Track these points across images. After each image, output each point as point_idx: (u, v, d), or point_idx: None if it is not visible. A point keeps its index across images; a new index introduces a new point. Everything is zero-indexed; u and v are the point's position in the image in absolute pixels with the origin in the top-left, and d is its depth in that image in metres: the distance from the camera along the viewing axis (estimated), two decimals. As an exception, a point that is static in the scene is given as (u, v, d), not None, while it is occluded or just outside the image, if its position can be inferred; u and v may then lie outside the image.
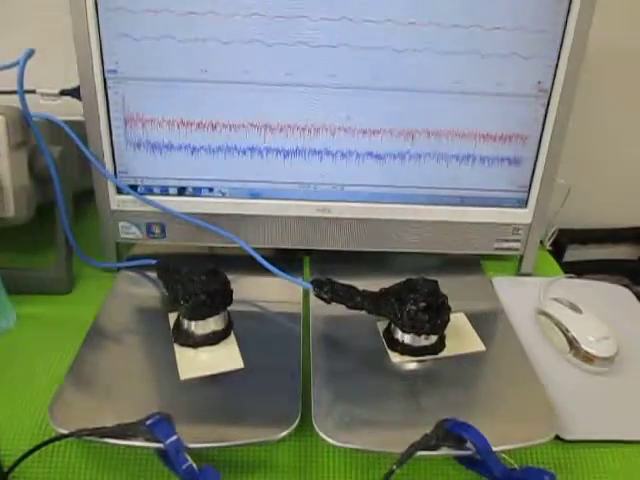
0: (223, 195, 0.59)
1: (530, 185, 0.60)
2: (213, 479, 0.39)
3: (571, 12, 0.52)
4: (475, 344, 0.51)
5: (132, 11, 0.51)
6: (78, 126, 0.56)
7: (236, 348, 0.49)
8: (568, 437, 0.44)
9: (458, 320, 0.53)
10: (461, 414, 0.42)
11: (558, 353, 0.52)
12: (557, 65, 0.54)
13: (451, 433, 0.40)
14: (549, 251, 0.71)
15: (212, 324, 0.50)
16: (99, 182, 0.58)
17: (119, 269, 0.61)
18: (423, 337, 0.49)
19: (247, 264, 0.57)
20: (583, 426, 0.45)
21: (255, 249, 0.58)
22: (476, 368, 0.49)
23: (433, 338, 0.50)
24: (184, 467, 0.38)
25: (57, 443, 0.42)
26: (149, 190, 0.59)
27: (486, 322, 0.54)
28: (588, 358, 0.50)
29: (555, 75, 0.55)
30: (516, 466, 0.40)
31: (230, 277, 0.51)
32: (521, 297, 0.59)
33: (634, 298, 0.61)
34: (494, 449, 0.39)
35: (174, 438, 0.39)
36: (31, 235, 0.60)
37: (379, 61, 0.53)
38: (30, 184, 0.54)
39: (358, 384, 0.46)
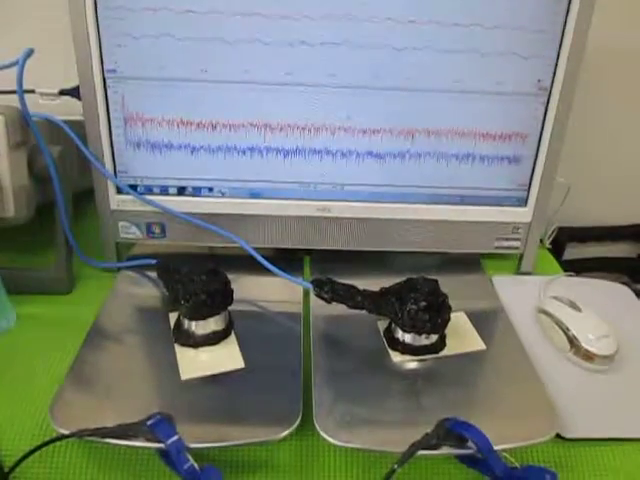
0: (223, 195, 0.59)
1: (530, 184, 0.60)
2: (215, 479, 0.39)
3: (570, 11, 0.52)
4: (475, 343, 0.51)
5: (131, 10, 0.51)
6: (77, 126, 0.56)
7: (237, 348, 0.49)
8: (569, 435, 0.44)
9: (458, 319, 0.53)
10: (462, 413, 0.42)
11: (558, 351, 0.52)
12: (557, 64, 0.54)
13: (452, 432, 0.40)
14: (549, 249, 0.71)
15: (212, 324, 0.50)
16: (99, 182, 0.58)
17: (119, 269, 0.61)
18: (424, 336, 0.49)
19: (247, 264, 0.57)
20: (584, 424, 0.45)
21: (255, 249, 0.58)
22: (476, 367, 0.49)
23: (434, 337, 0.50)
24: (185, 467, 0.38)
25: (58, 443, 0.41)
26: (149, 190, 0.59)
27: (486, 321, 0.54)
28: (588, 356, 0.50)
29: (555, 74, 0.55)
30: (517, 465, 0.40)
31: (230, 277, 0.50)
32: (521, 296, 0.59)
33: (633, 296, 0.61)
34: (495, 448, 0.39)
35: (175, 438, 0.39)
36: (31, 235, 0.60)
37: (379, 60, 0.53)
38: (30, 184, 0.53)
39: (359, 383, 0.46)
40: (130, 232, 0.60)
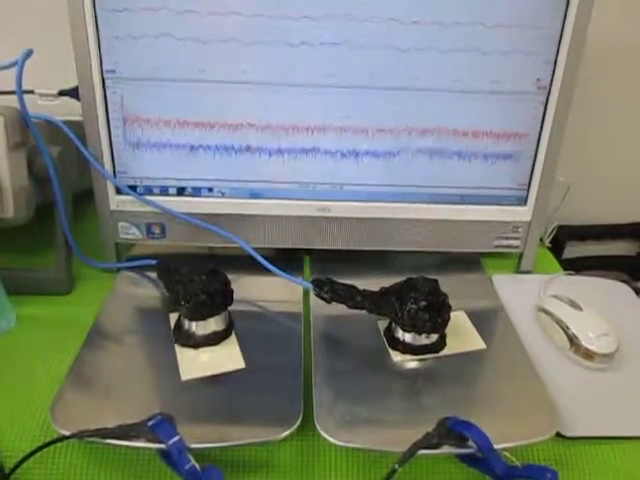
0: (223, 195, 0.59)
1: (529, 183, 0.60)
2: (216, 479, 0.39)
3: (569, 8, 0.52)
4: (476, 342, 0.51)
5: (130, 10, 0.51)
6: (77, 126, 0.56)
7: (237, 348, 0.49)
8: (569, 434, 0.44)
9: (458, 318, 0.53)
10: (462, 412, 0.42)
11: (558, 350, 0.52)
12: (556, 62, 0.54)
13: (452, 431, 0.40)
14: (548, 248, 0.71)
15: (213, 324, 0.50)
16: (98, 182, 0.58)
17: (119, 269, 0.61)
18: (424, 336, 0.49)
19: (247, 264, 0.57)
20: (584, 423, 0.45)
21: (255, 249, 0.58)
22: (477, 366, 0.49)
23: (434, 337, 0.50)
24: (187, 467, 0.38)
25: (59, 444, 0.41)
26: (148, 190, 0.59)
27: (486, 320, 0.54)
28: (588, 355, 0.50)
29: (554, 72, 0.55)
30: (518, 463, 0.40)
31: (230, 277, 0.50)
32: (521, 295, 0.59)
33: (633, 294, 0.61)
34: (495, 447, 0.39)
35: (176, 439, 0.39)
36: (30, 236, 0.60)
37: (379, 60, 0.53)
38: (29, 184, 0.53)
39: (359, 383, 0.46)
40: (130, 232, 0.60)
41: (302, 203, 0.59)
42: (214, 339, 0.50)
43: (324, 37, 0.52)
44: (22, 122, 0.51)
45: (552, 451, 0.44)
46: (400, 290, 0.49)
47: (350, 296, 0.50)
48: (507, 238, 0.62)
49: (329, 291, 0.51)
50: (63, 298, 0.57)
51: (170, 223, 0.60)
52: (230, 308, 0.51)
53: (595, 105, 0.78)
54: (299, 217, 0.59)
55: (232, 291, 0.50)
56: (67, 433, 0.40)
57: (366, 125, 0.56)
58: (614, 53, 0.75)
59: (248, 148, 0.57)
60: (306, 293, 0.56)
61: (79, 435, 0.39)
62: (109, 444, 0.40)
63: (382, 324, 0.52)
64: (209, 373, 0.47)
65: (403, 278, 0.50)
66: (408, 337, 0.49)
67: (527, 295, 0.59)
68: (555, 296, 0.56)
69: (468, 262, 0.64)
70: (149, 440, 0.39)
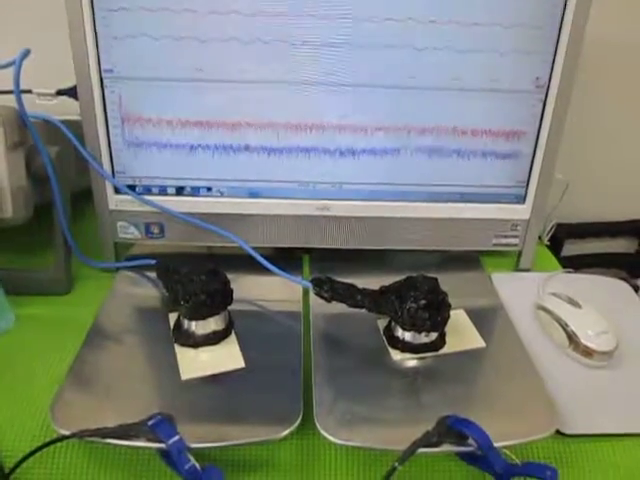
0: (222, 194, 0.59)
1: (528, 181, 0.60)
2: (216, 478, 0.39)
3: (567, 7, 0.52)
4: (475, 340, 0.51)
5: (128, 9, 0.51)
6: (75, 126, 0.56)
7: (237, 347, 0.49)
8: (569, 431, 0.44)
9: (458, 317, 0.53)
10: (462, 410, 0.42)
11: (558, 348, 0.52)
12: (554, 60, 0.54)
13: (452, 429, 0.40)
14: (547, 246, 0.71)
15: (212, 324, 0.50)
16: (97, 182, 0.58)
17: (118, 269, 0.60)
18: (423, 334, 0.49)
19: (246, 263, 0.57)
20: (583, 420, 0.45)
21: (254, 248, 0.58)
22: (476, 364, 0.49)
23: (433, 335, 0.50)
24: (187, 467, 0.38)
25: (58, 444, 0.41)
26: (147, 190, 0.59)
27: (486, 318, 0.54)
28: (588, 352, 0.50)
29: (552, 70, 0.55)
30: (517, 461, 0.40)
31: (230, 276, 0.50)
32: (520, 293, 0.59)
33: (632, 291, 0.62)
34: (495, 445, 0.39)
35: (176, 438, 0.39)
36: (29, 236, 0.59)
37: (378, 59, 0.53)
38: (28, 184, 0.53)
39: (359, 382, 0.46)
40: (129, 232, 0.60)
41: (301, 202, 0.59)
42: (214, 339, 0.50)
43: (324, 36, 0.52)
44: (20, 122, 0.51)
45: (552, 449, 0.44)
46: (400, 289, 0.49)
47: (350, 295, 0.50)
48: (506, 236, 0.62)
49: (329, 290, 0.51)
50: (62, 298, 0.57)
51: (169, 223, 0.60)
52: (230, 307, 0.51)
53: (593, 103, 0.78)
54: (298, 216, 0.59)
55: (232, 291, 0.50)
56: (67, 433, 0.40)
57: (365, 124, 0.56)
58: (613, 52, 0.75)
59: (247, 147, 0.57)
60: (306, 292, 0.56)
61: (79, 435, 0.39)
62: (109, 444, 0.40)
63: (382, 323, 0.52)
64: (209, 373, 0.47)
65: (403, 277, 0.50)
66: (408, 336, 0.49)
67: (526, 293, 0.59)
68: (554, 294, 0.56)
69: (467, 260, 0.64)
70: (149, 440, 0.39)
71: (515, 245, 0.63)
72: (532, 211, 0.61)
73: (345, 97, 0.55)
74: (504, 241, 0.63)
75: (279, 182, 0.58)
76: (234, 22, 0.51)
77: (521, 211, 0.61)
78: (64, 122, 0.56)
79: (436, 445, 0.40)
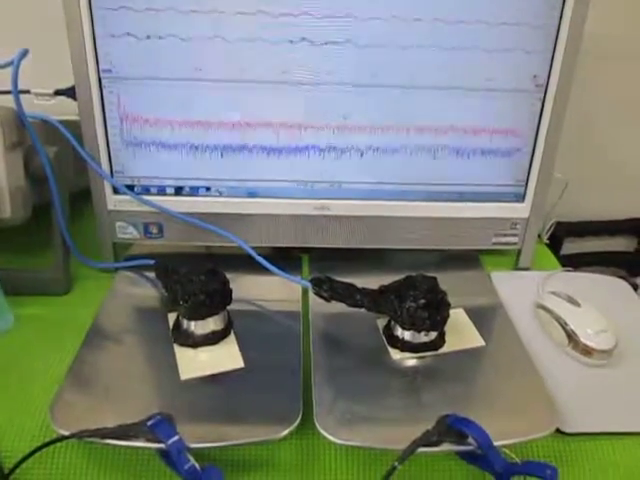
0: (220, 194, 0.59)
1: (527, 179, 0.60)
2: (216, 478, 0.39)
3: (566, 5, 0.52)
4: (475, 339, 0.51)
5: (126, 9, 0.50)
6: (73, 126, 0.56)
7: (236, 347, 0.49)
8: (568, 430, 0.44)
9: (457, 316, 0.53)
10: (462, 409, 0.42)
11: (557, 347, 0.52)
12: (553, 58, 0.54)
13: (452, 429, 0.40)
14: (546, 245, 0.71)
15: (212, 324, 0.49)
16: (95, 182, 0.58)
17: (117, 269, 0.60)
18: (423, 333, 0.49)
19: (245, 263, 0.57)
20: (583, 419, 0.45)
21: (253, 248, 0.58)
22: (476, 363, 0.49)
23: (433, 334, 0.50)
24: (186, 467, 0.38)
25: (58, 444, 0.41)
26: (146, 190, 0.59)
27: (485, 317, 0.54)
28: (587, 351, 0.50)
29: (551, 69, 0.55)
30: (517, 460, 0.40)
31: (229, 276, 0.50)
32: (520, 291, 0.59)
33: (631, 290, 0.62)
34: (495, 444, 0.39)
35: (176, 438, 0.39)
36: (28, 236, 0.59)
37: (378, 58, 0.53)
38: (26, 185, 0.53)
39: (359, 381, 0.46)
40: (127, 232, 0.60)
41: (300, 202, 0.59)
42: (213, 338, 0.49)
43: (324, 35, 0.52)
44: (18, 122, 0.51)
45: (551, 447, 0.44)
46: (399, 288, 0.49)
47: (349, 294, 0.50)
48: (505, 235, 0.62)
49: (328, 290, 0.50)
50: (61, 298, 0.57)
51: (168, 223, 0.60)
52: (229, 307, 0.51)
53: (592, 101, 0.78)
54: (297, 216, 0.59)
55: (231, 290, 0.50)
56: (66, 433, 0.40)
57: (364, 123, 0.56)
58: (611, 49, 0.75)
59: (246, 147, 0.57)
60: (305, 292, 0.56)
61: (78, 435, 0.39)
62: (108, 444, 0.40)
63: (381, 322, 0.52)
64: (208, 372, 0.47)
65: (402, 276, 0.50)
66: (407, 335, 0.49)
67: (525, 292, 0.59)
68: (553, 292, 0.56)
69: (467, 259, 0.64)
70: (148, 440, 0.39)
71: (514, 244, 0.63)
72: (531, 210, 0.61)
73: (344, 97, 0.55)
74: (503, 240, 0.63)
75: (278, 182, 0.58)
76: (234, 22, 0.51)
77: (520, 210, 0.61)
78: (62, 122, 0.56)
79: (436, 444, 0.40)
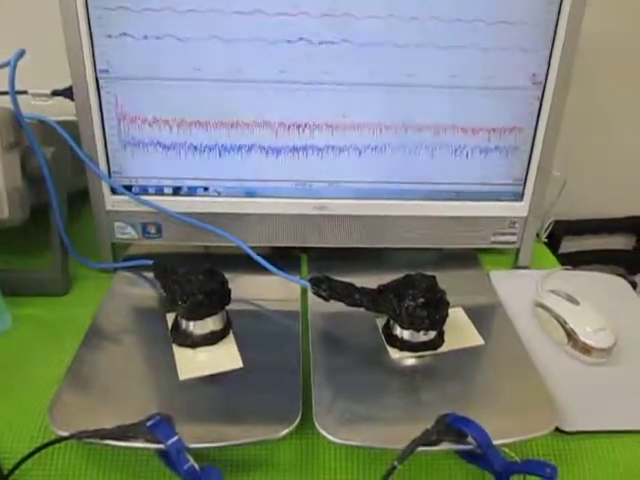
0: (218, 194, 0.59)
1: (526, 178, 0.60)
2: (215, 478, 0.38)
3: (563, 3, 0.52)
4: (474, 338, 0.51)
5: (123, 9, 0.50)
6: (71, 126, 0.56)
7: (235, 347, 0.49)
8: (568, 428, 0.44)
9: (456, 315, 0.53)
10: (461, 408, 0.42)
11: (556, 345, 0.52)
12: (551, 56, 0.54)
13: (452, 428, 0.40)
14: (545, 243, 0.71)
15: (210, 324, 0.49)
16: (93, 182, 0.57)
17: (115, 270, 0.60)
18: (422, 333, 0.49)
19: (244, 263, 0.57)
20: (583, 417, 0.45)
21: (252, 248, 0.58)
22: (475, 362, 0.49)
23: (432, 334, 0.50)
24: (186, 467, 0.38)
25: (57, 445, 0.41)
26: (144, 190, 0.59)
27: (484, 316, 0.54)
28: (586, 349, 0.50)
29: (549, 67, 0.55)
30: (517, 459, 0.40)
31: (227, 276, 0.50)
32: (518, 290, 0.59)
33: (630, 288, 0.62)
34: (495, 442, 0.39)
35: (175, 439, 0.39)
36: (26, 237, 0.59)
37: (376, 57, 0.53)
38: (23, 185, 0.53)
39: (358, 381, 0.46)
40: (126, 232, 0.60)
41: (298, 201, 0.59)
42: (212, 339, 0.49)
43: (321, 35, 0.52)
44: (15, 122, 0.51)
45: (551, 446, 0.44)
46: (398, 287, 0.49)
47: (348, 294, 0.50)
48: (504, 234, 0.62)
49: (327, 289, 0.50)
50: (60, 299, 0.57)
51: (166, 223, 0.59)
52: (228, 307, 0.51)
53: (591, 99, 0.78)
54: (295, 215, 0.59)
55: (229, 290, 0.50)
56: (65, 434, 0.40)
57: (362, 122, 0.56)
58: (609, 47, 0.75)
59: (244, 147, 0.56)
60: (304, 291, 0.56)
61: (77, 436, 0.39)
62: (107, 445, 0.40)
63: (380, 321, 0.52)
64: (207, 373, 0.47)
65: (401, 275, 0.50)
66: (406, 334, 0.49)
67: (524, 290, 0.59)
68: (552, 291, 0.56)
69: (465, 258, 0.64)
70: (148, 440, 0.39)
71: (513, 242, 0.63)
72: (530, 208, 0.61)
73: (343, 95, 0.55)
74: (502, 239, 0.63)
75: (276, 181, 0.58)
76: (232, 21, 0.51)
77: (519, 208, 0.61)
78: (60, 123, 0.56)
79: (435, 443, 0.40)
